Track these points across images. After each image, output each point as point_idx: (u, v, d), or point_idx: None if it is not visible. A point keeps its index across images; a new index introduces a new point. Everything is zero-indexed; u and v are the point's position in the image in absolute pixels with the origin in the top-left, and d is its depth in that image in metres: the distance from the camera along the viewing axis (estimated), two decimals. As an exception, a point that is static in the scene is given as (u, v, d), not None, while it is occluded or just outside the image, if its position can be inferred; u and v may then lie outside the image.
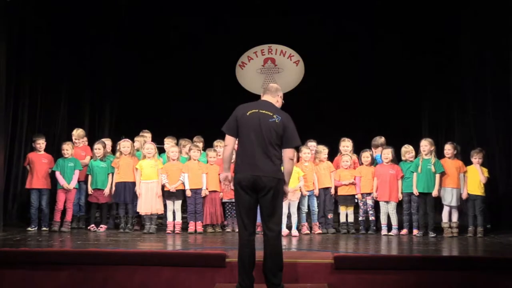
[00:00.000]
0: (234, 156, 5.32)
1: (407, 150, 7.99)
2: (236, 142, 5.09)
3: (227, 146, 5.06)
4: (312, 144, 8.30)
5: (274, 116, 4.97)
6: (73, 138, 8.59)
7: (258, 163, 4.84)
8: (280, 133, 4.94)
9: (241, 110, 5.01)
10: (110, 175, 8.14)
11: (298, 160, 7.98)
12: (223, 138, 8.34)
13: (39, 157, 8.09)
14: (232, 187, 5.02)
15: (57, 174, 8.03)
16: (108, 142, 8.54)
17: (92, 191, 8.11)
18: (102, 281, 5.41)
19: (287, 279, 5.21)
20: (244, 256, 4.87)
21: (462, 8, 9.31)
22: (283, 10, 10.71)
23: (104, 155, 8.22)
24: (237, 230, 7.62)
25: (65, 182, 7.96)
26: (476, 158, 7.79)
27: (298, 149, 8.02)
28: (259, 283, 4.95)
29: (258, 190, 4.86)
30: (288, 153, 4.98)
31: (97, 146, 8.23)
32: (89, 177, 8.15)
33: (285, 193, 5.02)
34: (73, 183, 8.04)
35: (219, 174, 7.98)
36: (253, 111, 4.97)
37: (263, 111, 4.97)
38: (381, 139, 8.37)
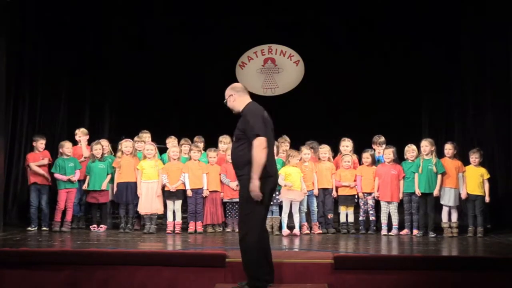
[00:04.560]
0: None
1: (408, 150, 8.00)
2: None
3: (265, 148, 4.77)
4: (312, 144, 8.30)
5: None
6: (78, 136, 8.60)
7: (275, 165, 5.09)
8: None
9: (262, 110, 5.01)
10: (110, 175, 8.14)
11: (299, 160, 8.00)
12: (226, 133, 8.42)
13: (37, 156, 8.09)
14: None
15: (56, 175, 8.03)
16: (105, 143, 8.52)
17: (86, 187, 8.09)
18: (102, 281, 5.41)
19: (287, 279, 5.22)
20: (263, 253, 4.93)
21: (462, 8, 9.31)
22: (283, 10, 10.70)
23: (102, 156, 8.22)
24: (237, 230, 7.70)
25: (69, 176, 7.97)
26: (477, 158, 7.78)
27: (298, 149, 8.03)
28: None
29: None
30: None
31: (96, 146, 8.22)
32: (87, 178, 8.14)
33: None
34: (76, 177, 8.07)
35: (220, 174, 8.00)
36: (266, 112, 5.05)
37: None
38: (380, 138, 8.38)
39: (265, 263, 4.91)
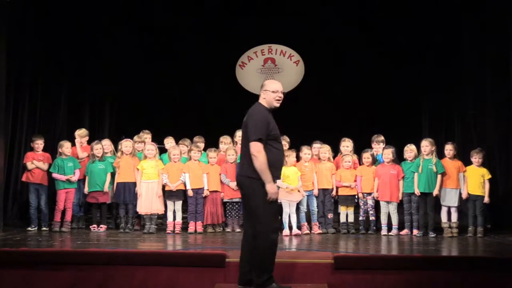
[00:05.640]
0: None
1: (406, 150, 8.00)
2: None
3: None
4: (315, 145, 8.29)
5: (245, 117, 4.95)
6: (77, 137, 8.58)
7: (240, 165, 5.08)
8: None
9: None
10: (110, 174, 8.14)
11: (298, 160, 7.99)
12: (226, 134, 8.45)
13: (36, 156, 8.08)
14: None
15: (55, 175, 8.02)
16: (108, 142, 8.52)
17: (88, 192, 8.10)
18: (102, 281, 5.41)
19: (287, 279, 5.22)
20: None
21: (463, 8, 9.30)
22: (283, 10, 10.70)
23: (102, 156, 8.22)
24: (237, 230, 7.77)
25: (68, 176, 7.96)
26: (480, 159, 7.78)
27: (298, 149, 8.03)
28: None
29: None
30: (249, 150, 4.73)
31: (96, 146, 8.22)
32: (86, 178, 8.14)
33: (266, 192, 4.67)
34: (76, 177, 8.07)
35: (220, 174, 8.00)
36: None
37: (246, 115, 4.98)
38: (379, 137, 8.37)
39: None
